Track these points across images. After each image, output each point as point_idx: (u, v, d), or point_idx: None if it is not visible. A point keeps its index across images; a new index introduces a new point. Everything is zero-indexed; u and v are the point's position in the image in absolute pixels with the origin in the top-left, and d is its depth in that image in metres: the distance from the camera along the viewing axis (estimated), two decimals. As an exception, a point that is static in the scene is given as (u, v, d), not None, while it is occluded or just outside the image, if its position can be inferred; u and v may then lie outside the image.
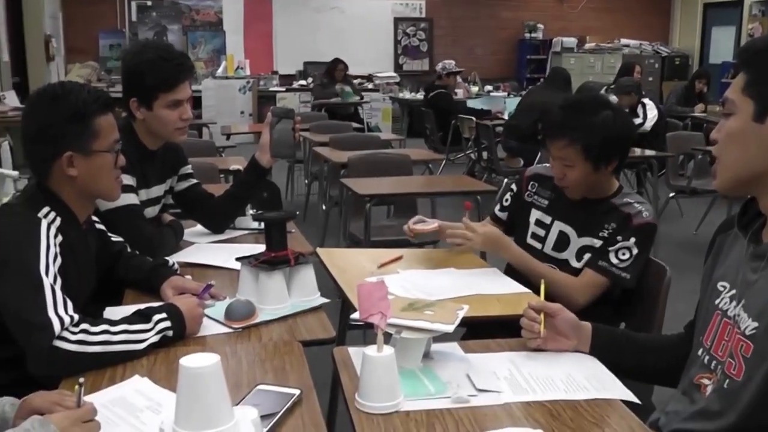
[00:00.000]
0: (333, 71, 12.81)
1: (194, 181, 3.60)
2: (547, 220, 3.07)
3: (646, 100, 9.33)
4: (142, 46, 3.32)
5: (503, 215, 3.29)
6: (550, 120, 3.00)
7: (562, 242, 3.01)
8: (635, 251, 2.86)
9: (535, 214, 3.12)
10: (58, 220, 2.34)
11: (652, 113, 9.20)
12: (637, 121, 9.23)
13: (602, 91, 10.43)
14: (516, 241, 3.14)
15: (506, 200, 3.28)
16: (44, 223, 2.28)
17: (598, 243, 2.93)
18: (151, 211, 3.32)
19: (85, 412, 1.71)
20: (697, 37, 17.15)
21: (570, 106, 3.03)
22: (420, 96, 13.38)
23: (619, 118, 2.94)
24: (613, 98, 10.17)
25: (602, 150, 2.86)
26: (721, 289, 2.02)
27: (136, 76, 3.17)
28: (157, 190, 3.36)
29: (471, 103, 11.58)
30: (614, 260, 2.86)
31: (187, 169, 3.58)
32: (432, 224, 3.20)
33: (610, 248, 2.87)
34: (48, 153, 2.36)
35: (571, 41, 16.90)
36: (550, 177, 3.06)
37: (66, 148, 2.35)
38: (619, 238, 2.87)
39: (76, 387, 1.72)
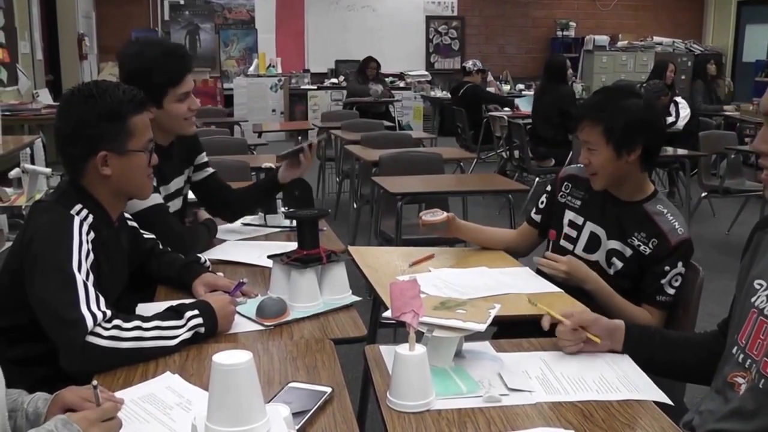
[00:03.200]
0: (365, 69, 12.77)
1: (211, 170, 3.63)
2: (580, 221, 3.04)
3: (678, 99, 9.26)
4: (141, 45, 3.29)
5: (538, 218, 3.25)
6: (580, 105, 3.01)
7: (593, 244, 2.98)
8: (683, 271, 2.83)
9: (568, 215, 3.08)
10: (91, 217, 2.35)
11: (685, 112, 9.14)
12: (669, 119, 9.17)
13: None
14: (549, 242, 3.13)
15: (542, 203, 3.24)
16: (77, 220, 2.30)
17: (628, 251, 2.89)
18: (173, 205, 3.32)
19: (105, 411, 1.72)
20: (731, 35, 16.99)
21: (601, 91, 3.07)
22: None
23: (646, 107, 2.90)
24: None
25: (624, 133, 2.82)
26: (758, 287, 2.00)
27: (141, 75, 3.10)
28: (176, 184, 3.38)
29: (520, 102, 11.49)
30: (670, 290, 2.82)
31: (203, 157, 3.59)
32: (441, 215, 3.18)
33: (663, 281, 2.82)
34: (83, 152, 2.37)
35: (603, 39, 16.80)
36: (584, 178, 3.03)
37: (101, 148, 2.36)
38: (667, 268, 2.82)
39: (92, 389, 1.73)
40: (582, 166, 3.02)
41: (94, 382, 1.73)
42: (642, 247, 2.86)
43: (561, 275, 2.86)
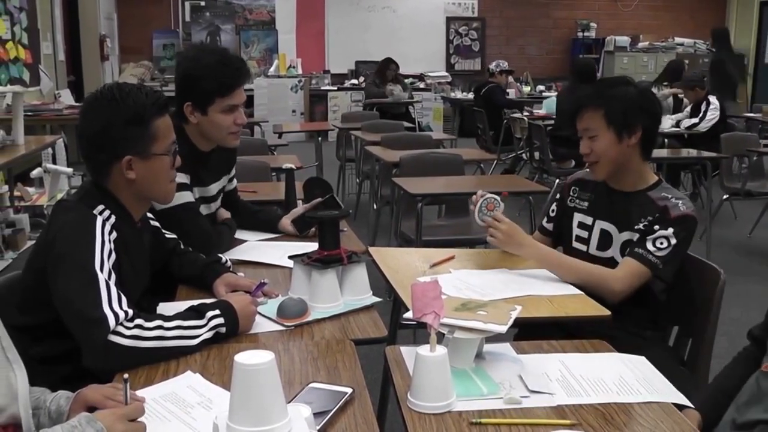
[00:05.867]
0: (384, 71, 12.75)
1: (236, 183, 3.67)
2: (589, 220, 3.06)
3: (712, 99, 9.17)
4: (200, 50, 3.29)
5: (550, 226, 3.27)
6: (579, 97, 3.06)
7: (606, 241, 2.99)
8: (673, 241, 2.81)
9: (577, 217, 3.11)
10: (113, 217, 2.36)
11: (713, 114, 9.05)
12: (692, 121, 9.12)
13: (653, 89, 10.33)
14: (564, 249, 3.13)
15: (552, 211, 3.27)
16: (99, 220, 2.30)
17: (636, 237, 2.90)
18: (206, 209, 3.33)
19: (132, 411, 1.72)
20: (753, 36, 16.91)
21: (598, 82, 3.21)
22: (472, 96, 13.29)
23: (641, 92, 2.98)
24: (663, 92, 10.07)
25: (624, 116, 2.89)
26: None
27: (192, 80, 3.15)
28: (213, 188, 3.39)
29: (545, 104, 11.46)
30: (651, 248, 2.81)
31: (234, 170, 3.62)
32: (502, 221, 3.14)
33: (648, 237, 2.84)
34: (107, 156, 2.37)
35: (624, 40, 16.78)
36: (591, 180, 3.09)
37: (125, 152, 2.36)
38: (656, 227, 2.84)
39: (122, 382, 1.73)
40: (588, 170, 3.04)
41: (125, 376, 1.73)
42: (648, 227, 2.88)
43: (499, 235, 2.97)
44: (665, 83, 10.73)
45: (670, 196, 2.91)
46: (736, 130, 9.25)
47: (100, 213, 2.34)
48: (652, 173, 3.03)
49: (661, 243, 2.81)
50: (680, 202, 2.87)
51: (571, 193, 3.17)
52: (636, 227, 2.90)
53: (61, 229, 2.29)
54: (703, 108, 9.10)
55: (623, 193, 2.99)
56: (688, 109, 9.48)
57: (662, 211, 2.86)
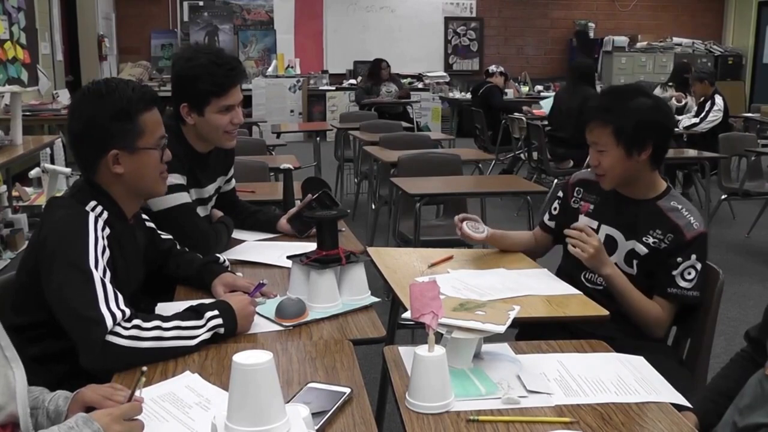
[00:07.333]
0: (378, 71, 12.70)
1: (234, 183, 3.66)
2: (594, 225, 3.00)
3: (718, 99, 9.15)
4: (194, 51, 3.26)
5: (552, 224, 3.23)
6: (588, 107, 2.99)
7: (610, 246, 2.94)
8: (699, 267, 2.80)
9: (582, 220, 3.05)
10: (105, 213, 2.36)
11: (715, 116, 9.04)
12: (693, 120, 9.12)
13: (657, 89, 10.32)
14: (565, 248, 3.12)
15: (555, 209, 3.22)
16: (92, 216, 2.30)
17: (643, 250, 2.86)
18: (202, 210, 3.33)
19: (129, 410, 1.72)
20: (751, 35, 16.92)
21: (609, 92, 3.06)
22: (470, 96, 13.29)
23: (655, 106, 2.89)
24: (666, 95, 10.07)
25: (634, 133, 2.80)
26: None
27: (188, 81, 3.14)
28: (210, 189, 3.38)
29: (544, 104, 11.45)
30: (683, 283, 2.79)
31: (232, 170, 3.62)
32: (482, 234, 3.16)
33: (674, 272, 2.80)
34: (94, 151, 2.37)
35: (622, 40, 16.77)
36: (596, 182, 3.01)
37: (112, 146, 2.35)
38: (679, 259, 2.79)
39: (138, 375, 1.73)
40: (590, 170, 3.02)
41: (144, 368, 1.75)
42: (658, 244, 2.84)
43: (590, 250, 2.82)
44: (670, 84, 10.74)
45: (680, 207, 2.86)
46: (734, 131, 9.25)
47: (92, 209, 2.33)
48: (661, 181, 2.97)
49: (689, 273, 2.80)
50: (692, 217, 2.83)
51: (575, 194, 3.12)
52: (643, 239, 2.86)
53: (53, 226, 2.29)
54: (707, 107, 9.08)
55: (632, 201, 2.94)
56: (695, 109, 9.46)
57: (674, 231, 2.82)
